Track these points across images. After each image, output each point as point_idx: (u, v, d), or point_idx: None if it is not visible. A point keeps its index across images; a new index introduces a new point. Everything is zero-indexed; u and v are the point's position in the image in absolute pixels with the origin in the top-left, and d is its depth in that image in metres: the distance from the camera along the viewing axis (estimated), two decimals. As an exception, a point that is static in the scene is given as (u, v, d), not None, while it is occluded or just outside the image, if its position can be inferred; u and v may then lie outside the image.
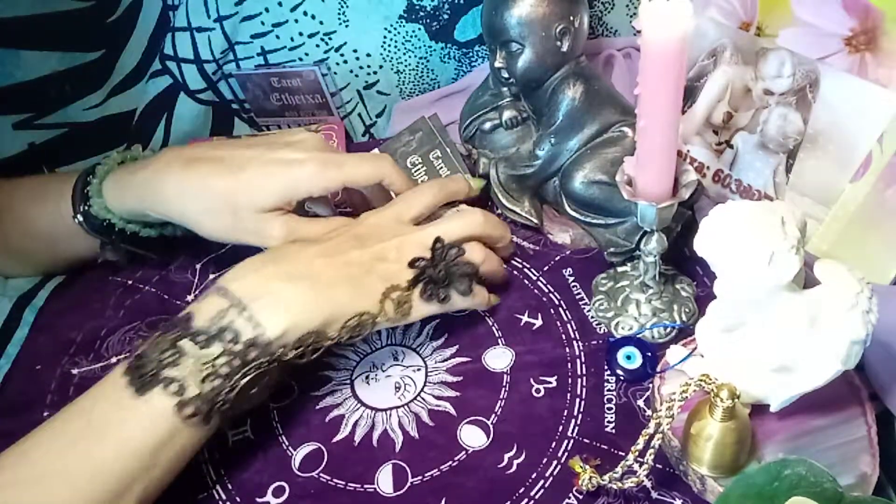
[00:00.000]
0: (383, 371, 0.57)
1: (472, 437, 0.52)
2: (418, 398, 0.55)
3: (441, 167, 0.71)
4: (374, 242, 0.54)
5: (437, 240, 0.54)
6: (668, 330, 0.57)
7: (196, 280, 0.66)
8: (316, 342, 0.49)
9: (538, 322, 0.59)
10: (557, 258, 0.64)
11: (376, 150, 0.74)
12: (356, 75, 0.78)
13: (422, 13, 0.74)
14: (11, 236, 0.63)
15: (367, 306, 0.51)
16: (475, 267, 0.55)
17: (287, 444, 0.54)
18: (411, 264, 0.53)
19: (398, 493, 0.50)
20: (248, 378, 0.47)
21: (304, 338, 0.49)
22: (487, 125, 0.67)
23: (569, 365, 0.56)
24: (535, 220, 0.65)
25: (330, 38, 0.76)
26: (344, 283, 0.51)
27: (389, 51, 0.76)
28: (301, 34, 0.76)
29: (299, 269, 0.51)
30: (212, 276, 0.66)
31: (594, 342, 0.58)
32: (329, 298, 0.50)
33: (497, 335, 0.59)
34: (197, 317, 0.48)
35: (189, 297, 0.65)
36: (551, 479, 0.50)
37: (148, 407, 0.45)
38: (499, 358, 0.57)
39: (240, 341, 0.47)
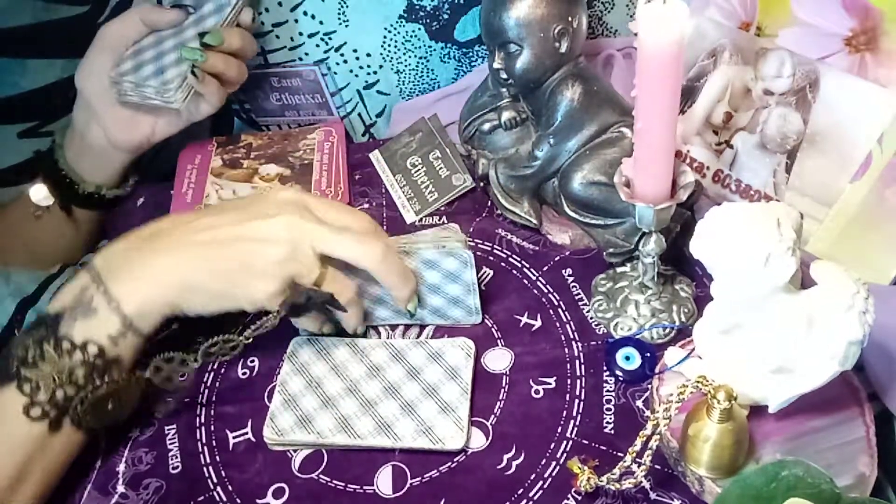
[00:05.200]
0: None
1: (472, 437, 0.53)
2: (418, 399, 0.56)
3: (441, 168, 0.71)
4: (259, 220, 0.51)
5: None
6: (667, 330, 0.57)
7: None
8: (177, 314, 0.50)
9: (537, 323, 0.59)
10: (557, 259, 0.64)
11: (377, 153, 0.74)
12: (356, 75, 0.78)
13: (422, 13, 0.74)
14: None
15: (234, 300, 0.50)
16: (329, 296, 0.52)
17: (287, 445, 0.54)
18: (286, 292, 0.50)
19: (397, 494, 0.50)
20: (102, 389, 0.48)
21: (160, 309, 0.50)
22: (487, 126, 0.67)
23: (568, 366, 0.56)
24: (535, 221, 0.65)
25: (330, 38, 0.76)
26: (214, 270, 0.50)
27: (389, 51, 0.76)
28: (301, 34, 0.76)
29: (164, 243, 0.51)
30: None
31: (593, 343, 0.58)
32: (185, 272, 0.50)
33: (496, 336, 0.59)
34: (62, 297, 0.50)
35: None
36: (550, 479, 0.50)
37: (0, 399, 0.47)
38: (498, 359, 0.57)
39: (102, 349, 0.48)
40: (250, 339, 0.52)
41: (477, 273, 0.60)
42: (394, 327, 0.60)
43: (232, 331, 0.52)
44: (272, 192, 0.55)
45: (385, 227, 0.68)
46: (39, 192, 0.71)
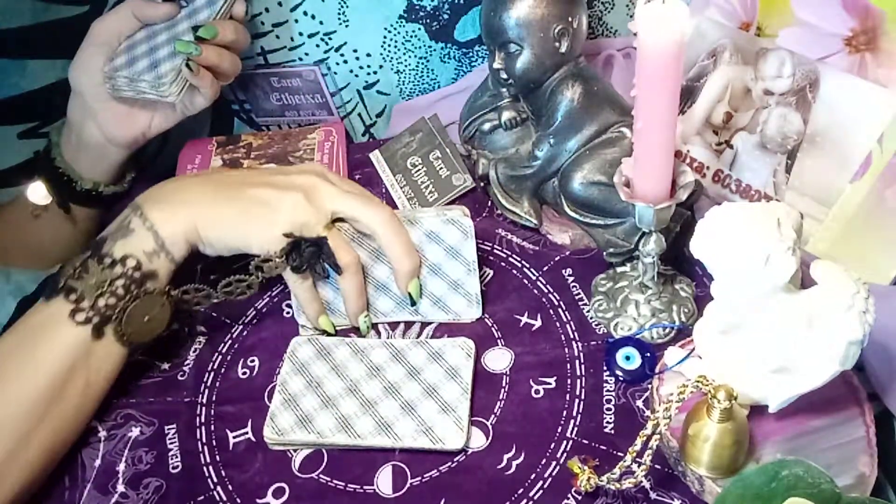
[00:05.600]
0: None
1: (472, 437, 0.53)
2: (418, 399, 0.55)
3: (441, 168, 0.71)
4: (282, 175, 0.58)
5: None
6: (668, 330, 0.57)
7: (197, 279, 0.66)
8: (197, 246, 0.56)
9: (537, 323, 0.59)
10: (557, 258, 0.64)
11: (377, 153, 0.74)
12: (356, 75, 0.78)
13: (422, 13, 0.74)
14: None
15: (245, 235, 0.56)
16: (325, 241, 0.56)
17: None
18: (288, 235, 0.55)
19: (397, 493, 0.50)
20: (139, 301, 0.53)
21: (186, 232, 0.55)
22: (487, 126, 0.67)
23: (568, 365, 0.56)
24: (535, 221, 0.65)
25: (330, 38, 0.76)
26: (234, 204, 0.56)
27: (389, 51, 0.76)
28: (301, 34, 0.76)
29: (198, 179, 0.59)
30: (212, 278, 0.66)
31: (593, 343, 0.58)
32: (211, 199, 0.56)
33: (496, 336, 0.59)
34: (107, 228, 0.56)
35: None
36: (550, 479, 0.50)
37: (49, 309, 0.52)
38: (498, 359, 0.57)
39: (139, 262, 0.53)
40: (261, 279, 0.56)
41: (478, 272, 0.60)
42: (394, 326, 0.60)
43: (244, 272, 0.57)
44: (311, 167, 0.62)
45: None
46: (37, 192, 0.71)
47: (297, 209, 0.55)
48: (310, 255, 0.55)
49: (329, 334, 0.59)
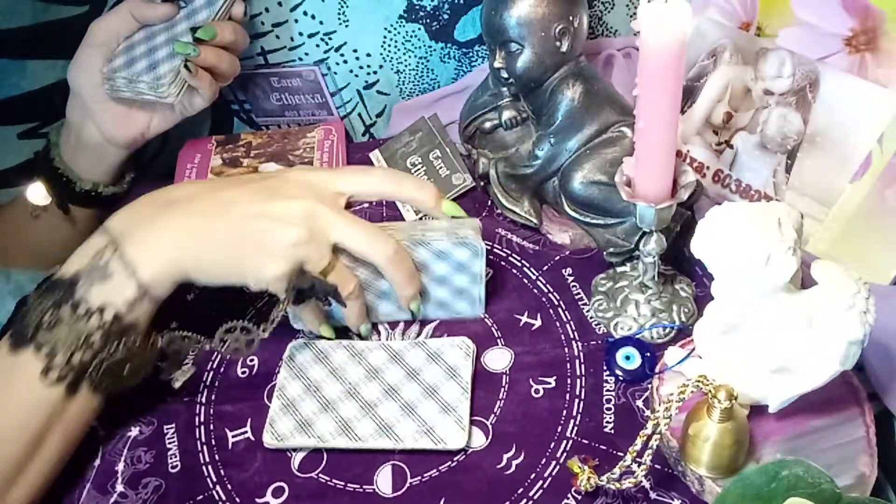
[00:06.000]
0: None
1: (472, 437, 0.52)
2: (417, 398, 0.55)
3: (441, 167, 0.71)
4: (279, 200, 0.52)
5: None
6: (668, 330, 0.57)
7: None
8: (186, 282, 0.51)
9: (537, 322, 0.59)
10: (557, 258, 0.64)
11: (377, 153, 0.74)
12: (356, 75, 0.78)
13: (422, 13, 0.74)
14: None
15: (241, 273, 0.52)
16: (333, 287, 0.53)
17: (287, 444, 0.54)
18: (291, 282, 0.51)
19: (397, 493, 0.50)
20: (118, 353, 0.48)
21: (173, 275, 0.50)
22: (487, 125, 0.67)
23: (568, 365, 0.56)
24: (535, 220, 0.65)
25: (330, 38, 0.76)
26: (226, 241, 0.51)
27: (389, 51, 0.76)
28: (301, 34, 0.76)
29: (183, 210, 0.51)
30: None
31: (593, 342, 0.58)
32: (201, 238, 0.51)
33: (496, 335, 0.59)
34: (77, 259, 0.50)
35: (189, 297, 0.65)
36: (550, 479, 0.50)
37: (17, 364, 0.47)
38: (498, 358, 0.57)
39: (118, 314, 0.48)
40: (266, 334, 0.52)
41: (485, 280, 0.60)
42: (394, 325, 0.60)
43: (248, 317, 0.53)
44: (295, 171, 0.56)
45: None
46: (37, 192, 0.71)
47: (299, 247, 0.51)
48: (316, 293, 0.52)
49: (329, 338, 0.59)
